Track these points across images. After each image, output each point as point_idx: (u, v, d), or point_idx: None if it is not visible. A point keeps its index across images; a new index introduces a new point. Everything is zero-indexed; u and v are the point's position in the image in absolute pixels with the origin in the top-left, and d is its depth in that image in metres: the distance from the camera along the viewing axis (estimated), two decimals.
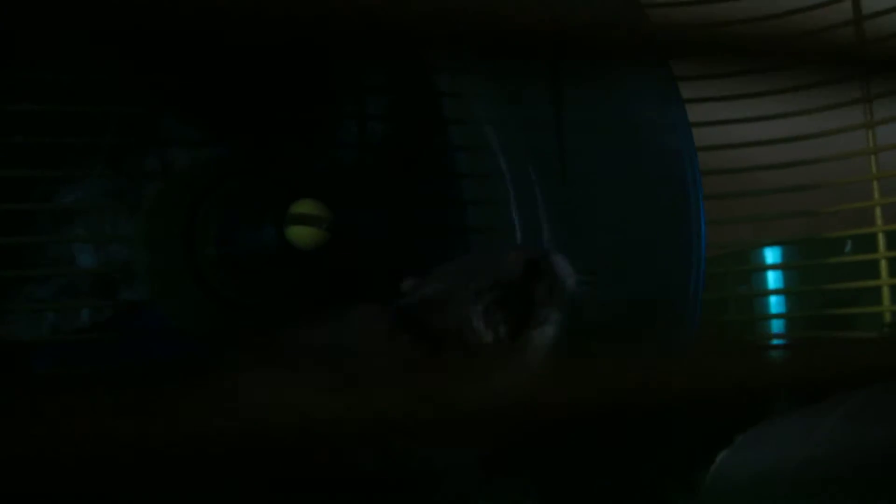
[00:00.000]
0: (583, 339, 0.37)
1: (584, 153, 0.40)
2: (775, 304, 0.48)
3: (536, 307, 0.32)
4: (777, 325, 0.48)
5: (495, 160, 0.39)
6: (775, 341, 0.47)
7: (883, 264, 0.43)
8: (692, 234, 0.41)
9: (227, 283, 0.39)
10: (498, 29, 0.18)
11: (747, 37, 0.20)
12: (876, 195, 0.44)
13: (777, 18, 0.40)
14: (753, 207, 0.45)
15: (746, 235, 0.49)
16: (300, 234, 0.38)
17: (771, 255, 0.49)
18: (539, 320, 0.32)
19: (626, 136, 0.41)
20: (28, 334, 0.38)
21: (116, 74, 0.37)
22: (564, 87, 0.39)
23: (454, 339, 0.33)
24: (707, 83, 0.42)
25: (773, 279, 0.49)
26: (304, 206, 0.38)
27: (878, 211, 0.43)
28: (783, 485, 0.36)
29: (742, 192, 0.44)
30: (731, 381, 0.22)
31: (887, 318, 0.43)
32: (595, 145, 0.40)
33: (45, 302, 0.38)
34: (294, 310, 0.39)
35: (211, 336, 0.38)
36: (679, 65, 0.42)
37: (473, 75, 0.39)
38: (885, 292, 0.43)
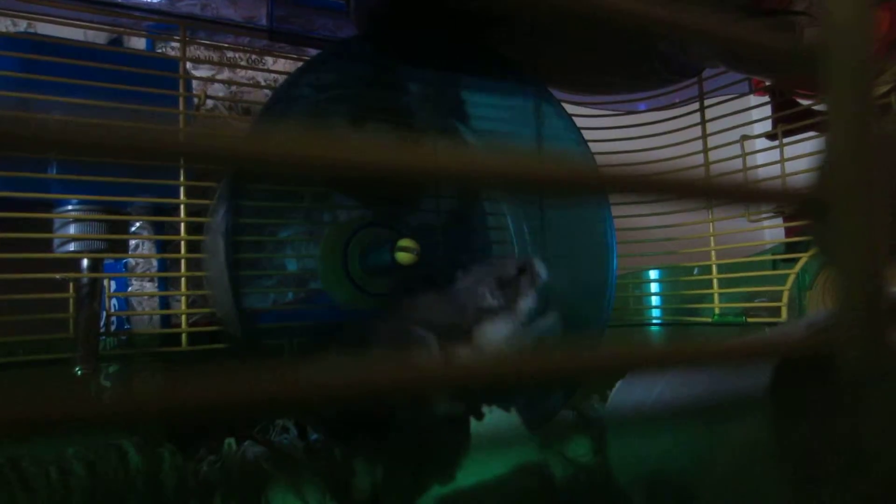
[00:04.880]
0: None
1: (556, 220, 0.71)
2: (655, 301, 0.78)
3: (522, 288, 0.62)
4: (656, 313, 0.78)
5: (507, 222, 0.71)
6: (655, 321, 0.77)
7: (714, 283, 0.73)
8: (610, 262, 0.71)
9: (364, 281, 0.68)
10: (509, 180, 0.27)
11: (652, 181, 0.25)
12: (712, 243, 0.75)
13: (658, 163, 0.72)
14: (644, 249, 0.76)
15: (639, 264, 0.79)
16: (403, 257, 0.68)
17: (653, 274, 0.79)
18: (523, 295, 0.61)
19: (578, 215, 0.72)
20: (259, 305, 0.67)
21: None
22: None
23: (478, 305, 0.63)
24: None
25: (654, 288, 0.79)
26: (406, 242, 0.68)
27: (713, 254, 0.74)
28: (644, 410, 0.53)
29: (638, 240, 0.75)
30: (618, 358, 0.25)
31: (717, 310, 0.73)
32: (561, 218, 0.71)
33: (269, 288, 0.67)
34: (399, 295, 0.69)
35: (355, 309, 0.68)
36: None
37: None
38: (716, 297, 0.73)
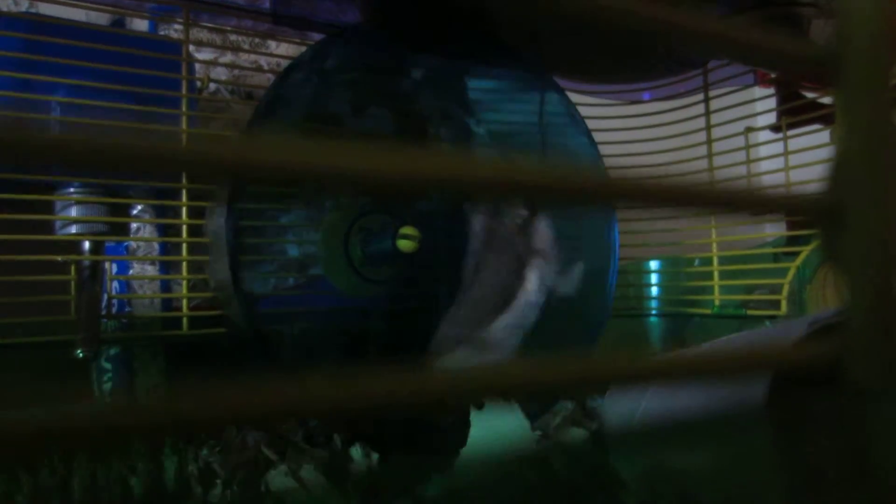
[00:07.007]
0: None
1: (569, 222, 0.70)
2: (655, 291, 0.78)
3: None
4: (655, 303, 0.78)
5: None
6: (654, 311, 0.77)
7: (715, 275, 0.73)
8: (613, 252, 0.71)
9: (365, 268, 0.68)
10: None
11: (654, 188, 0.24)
12: (713, 234, 0.75)
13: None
14: (645, 239, 0.76)
15: (640, 254, 0.79)
16: (404, 244, 0.68)
17: (654, 264, 0.79)
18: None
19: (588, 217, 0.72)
20: (260, 290, 0.67)
21: None
22: None
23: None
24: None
25: (654, 278, 0.79)
26: (407, 230, 0.68)
27: (714, 246, 0.74)
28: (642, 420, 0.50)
29: (640, 231, 0.75)
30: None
31: (717, 302, 0.73)
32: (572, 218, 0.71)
33: (270, 273, 0.67)
34: (399, 282, 0.69)
35: (355, 295, 0.68)
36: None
37: None
38: (716, 289, 0.73)
